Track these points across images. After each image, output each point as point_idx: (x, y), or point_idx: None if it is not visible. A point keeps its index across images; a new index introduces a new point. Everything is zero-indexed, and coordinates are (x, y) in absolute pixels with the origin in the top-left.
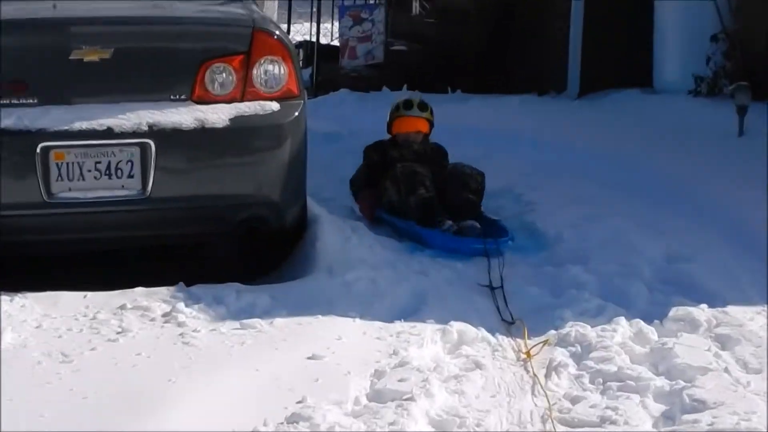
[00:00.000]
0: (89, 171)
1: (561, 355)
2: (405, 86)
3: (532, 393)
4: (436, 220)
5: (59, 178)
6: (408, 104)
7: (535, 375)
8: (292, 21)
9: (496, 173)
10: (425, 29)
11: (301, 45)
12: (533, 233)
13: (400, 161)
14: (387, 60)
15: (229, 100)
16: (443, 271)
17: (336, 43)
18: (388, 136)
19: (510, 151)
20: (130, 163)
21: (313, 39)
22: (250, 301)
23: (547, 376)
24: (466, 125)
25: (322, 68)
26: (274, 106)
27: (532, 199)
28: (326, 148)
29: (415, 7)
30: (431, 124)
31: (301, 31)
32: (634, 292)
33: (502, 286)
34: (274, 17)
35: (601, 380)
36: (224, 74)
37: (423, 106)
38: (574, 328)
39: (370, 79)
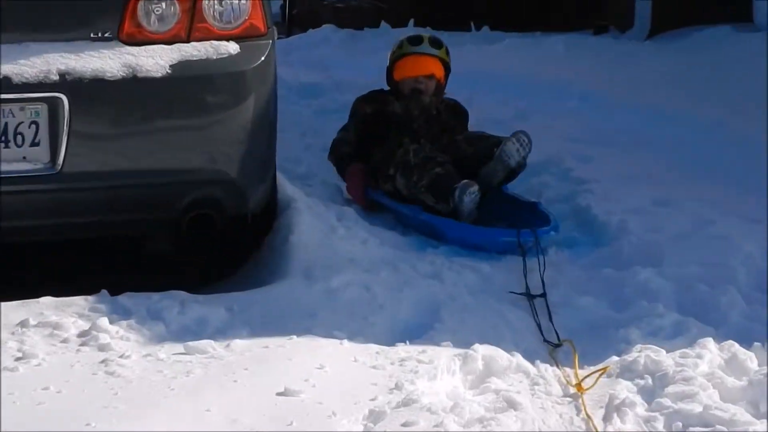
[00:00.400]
0: None
1: (625, 389)
2: (411, 21)
3: None
4: (452, 190)
5: None
6: (416, 39)
7: (589, 417)
8: None
9: (535, 141)
10: None
11: None
12: (586, 222)
13: (404, 123)
14: None
15: (171, 40)
16: (463, 274)
17: None
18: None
19: (554, 112)
20: (34, 126)
21: None
22: (200, 316)
23: (607, 418)
24: (494, 75)
25: None
26: (232, 47)
27: (584, 175)
28: (303, 105)
29: None
30: (447, 69)
31: None
32: (726, 304)
33: (544, 295)
34: None
35: (680, 424)
36: (164, 4)
37: (436, 43)
38: (644, 354)
39: (363, 12)
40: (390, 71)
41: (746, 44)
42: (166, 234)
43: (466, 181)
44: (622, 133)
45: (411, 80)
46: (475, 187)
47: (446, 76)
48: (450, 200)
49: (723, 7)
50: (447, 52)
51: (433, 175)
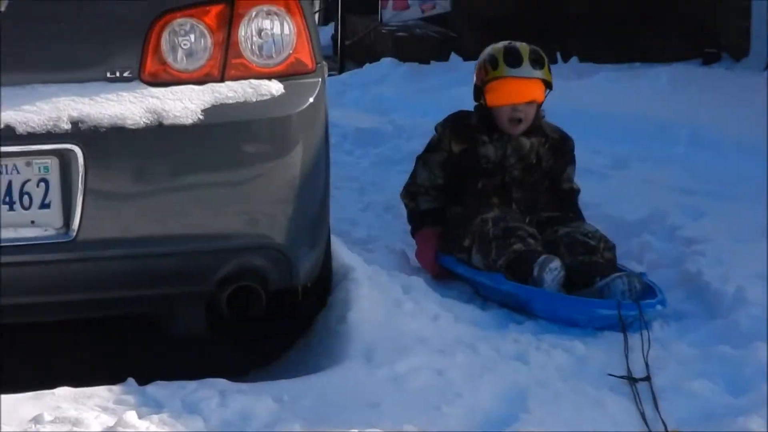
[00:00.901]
0: None
1: None
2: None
3: None
4: (530, 269)
5: None
6: (514, 56)
7: None
8: None
9: (636, 193)
10: None
11: None
12: (699, 291)
13: (495, 172)
14: (457, 10)
15: (202, 79)
16: (553, 355)
17: None
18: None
19: (658, 157)
20: (43, 184)
21: None
22: (243, 408)
23: None
24: (586, 113)
25: (351, 25)
26: (275, 87)
27: (695, 235)
28: (359, 155)
29: None
30: (548, 87)
31: None
32: None
33: (648, 378)
34: None
35: None
36: (193, 36)
37: (538, 60)
38: None
39: (430, 42)
40: (479, 92)
41: None
42: (200, 312)
43: (546, 256)
44: (740, 183)
45: (508, 109)
46: (557, 263)
47: (546, 93)
48: (529, 281)
49: None
50: (549, 69)
51: (512, 253)
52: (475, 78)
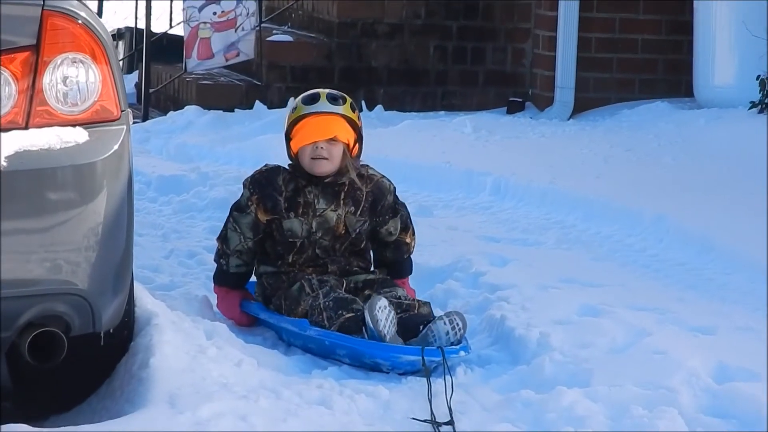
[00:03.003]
0: None
1: None
2: (291, 101)
3: None
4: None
5: None
6: (311, 96)
7: None
8: None
9: (441, 240)
10: (325, 8)
11: (120, 34)
12: (503, 337)
13: (301, 244)
14: (261, 58)
15: (6, 127)
16: (357, 400)
17: (178, 31)
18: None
19: (462, 205)
20: None
21: (141, 25)
22: None
23: None
24: (390, 160)
25: (155, 73)
26: (80, 135)
27: (499, 281)
28: (163, 202)
29: None
30: (359, 134)
31: (120, 12)
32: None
33: (452, 422)
34: None
35: None
36: None
37: (337, 98)
38: None
39: (235, 90)
40: (287, 142)
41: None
42: (1, 357)
43: (369, 300)
44: (542, 230)
45: (309, 147)
46: (384, 302)
47: (359, 142)
48: (365, 331)
49: (660, 82)
50: (353, 108)
51: (343, 320)
52: (285, 125)
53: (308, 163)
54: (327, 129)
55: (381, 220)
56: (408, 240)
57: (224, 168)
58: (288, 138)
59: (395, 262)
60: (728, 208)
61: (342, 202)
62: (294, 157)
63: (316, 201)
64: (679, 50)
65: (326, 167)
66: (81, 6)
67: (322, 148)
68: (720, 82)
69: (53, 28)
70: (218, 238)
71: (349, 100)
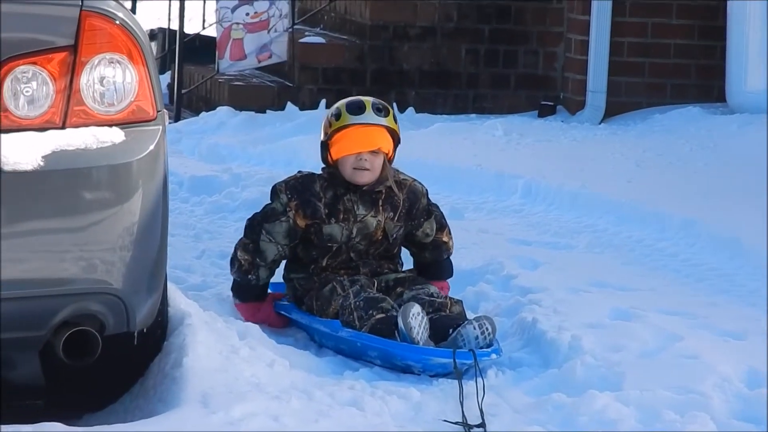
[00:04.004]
0: None
1: None
2: (323, 102)
3: None
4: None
5: None
6: (356, 105)
7: None
8: None
9: (472, 242)
10: (358, 10)
11: (153, 35)
12: (534, 340)
13: (337, 248)
14: (293, 60)
15: (43, 127)
16: (389, 401)
17: (211, 32)
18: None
19: (493, 207)
20: None
21: (174, 26)
22: None
23: None
24: (422, 163)
25: (188, 74)
26: (117, 135)
27: (531, 284)
28: (195, 203)
29: None
30: (396, 140)
31: (153, 13)
32: None
33: (483, 425)
34: None
35: None
36: (34, 84)
37: (382, 109)
38: None
39: (266, 92)
40: (325, 147)
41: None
42: (33, 358)
43: (403, 306)
44: (574, 234)
45: (352, 158)
46: (417, 308)
47: (396, 147)
48: (396, 333)
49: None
50: (395, 119)
51: (374, 321)
52: (321, 135)
53: (350, 173)
54: (372, 140)
55: (416, 223)
56: (446, 239)
57: (256, 169)
58: (327, 144)
59: (436, 263)
60: (760, 214)
61: (381, 208)
62: (331, 164)
63: (355, 207)
64: (712, 55)
65: (368, 178)
66: (118, 6)
67: (365, 159)
68: (752, 88)
69: (91, 28)
70: (243, 253)
71: (391, 110)
